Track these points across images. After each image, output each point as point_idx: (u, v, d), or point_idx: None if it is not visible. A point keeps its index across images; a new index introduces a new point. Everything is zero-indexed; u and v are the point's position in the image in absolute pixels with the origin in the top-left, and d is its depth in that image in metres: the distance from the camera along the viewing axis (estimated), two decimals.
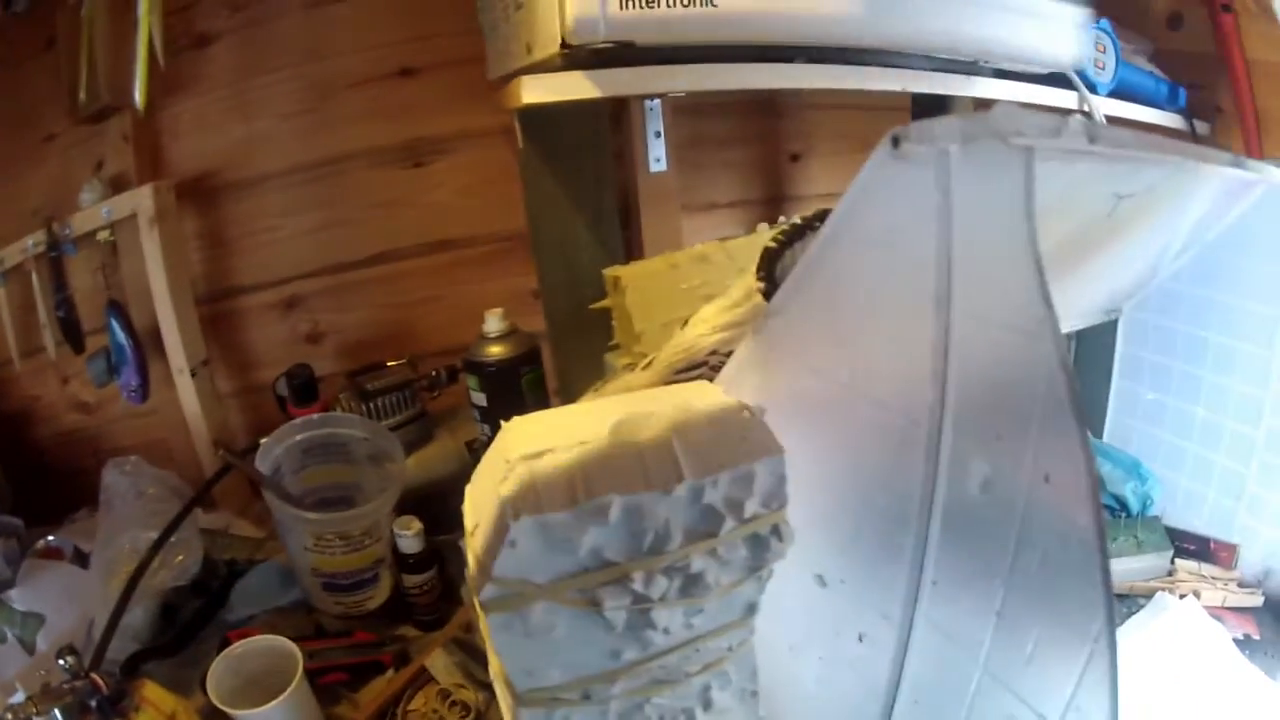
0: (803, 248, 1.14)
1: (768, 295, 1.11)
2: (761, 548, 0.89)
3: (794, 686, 1.10)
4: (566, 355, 2.02)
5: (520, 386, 1.87)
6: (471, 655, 1.64)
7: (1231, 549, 1.59)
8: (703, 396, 0.97)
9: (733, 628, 0.95)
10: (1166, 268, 1.42)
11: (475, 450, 2.02)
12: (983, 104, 1.93)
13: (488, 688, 1.56)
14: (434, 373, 2.09)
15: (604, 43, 1.37)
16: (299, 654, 1.43)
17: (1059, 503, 0.75)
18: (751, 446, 0.87)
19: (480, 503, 0.88)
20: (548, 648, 0.86)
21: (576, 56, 1.45)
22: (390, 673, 1.66)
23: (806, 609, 1.05)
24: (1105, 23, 2.11)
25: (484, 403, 1.88)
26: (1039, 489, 0.76)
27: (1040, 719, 0.84)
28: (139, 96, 1.97)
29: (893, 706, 1.00)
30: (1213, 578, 1.58)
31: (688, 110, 2.37)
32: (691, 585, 0.87)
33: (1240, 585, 1.57)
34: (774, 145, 2.66)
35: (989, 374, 0.80)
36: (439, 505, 1.79)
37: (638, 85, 1.58)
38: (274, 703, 1.34)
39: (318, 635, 1.74)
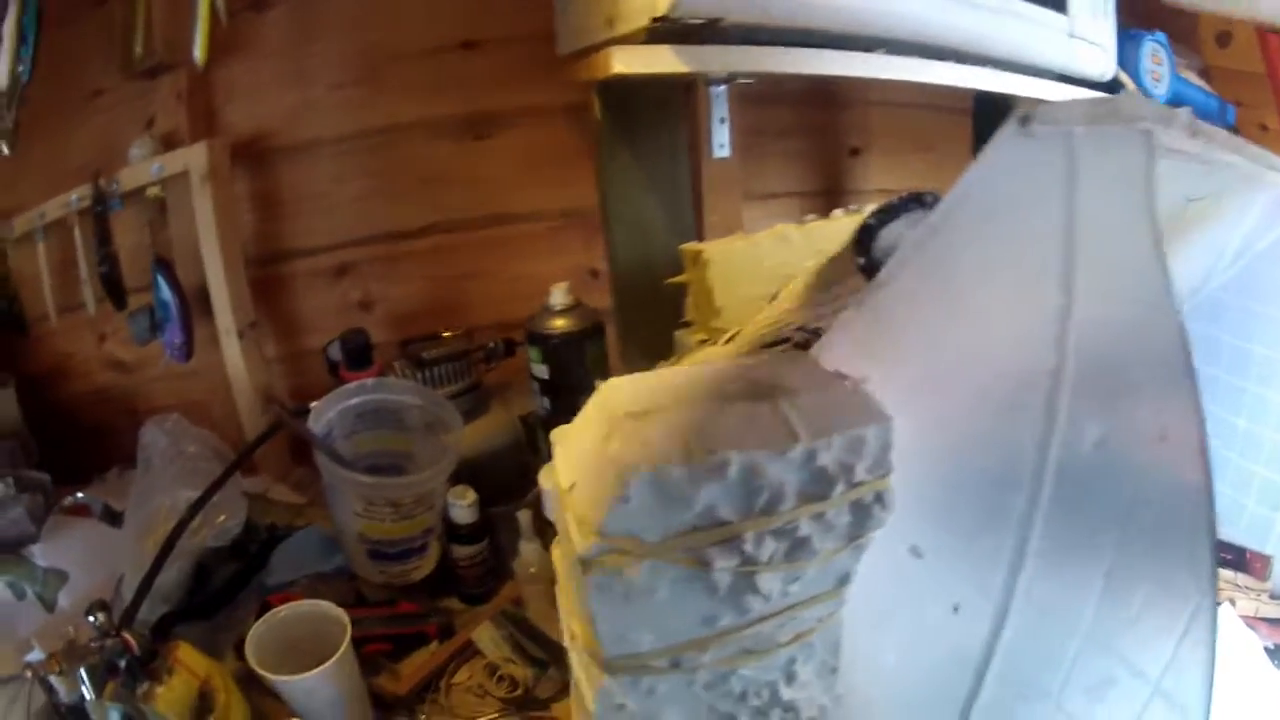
0: (900, 227, 1.13)
1: (866, 270, 1.11)
2: (864, 515, 0.86)
3: (872, 662, 1.06)
4: (633, 332, 2.01)
5: (584, 361, 1.85)
6: (520, 629, 1.62)
7: (1266, 560, 1.56)
8: (800, 365, 0.96)
9: (825, 598, 0.92)
10: (1218, 276, 1.40)
11: (530, 424, 2.02)
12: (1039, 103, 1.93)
13: (537, 663, 1.54)
14: (491, 344, 2.06)
15: (697, 19, 1.36)
16: (347, 620, 1.40)
17: (1173, 459, 0.76)
18: (859, 413, 0.85)
19: (579, 460, 0.85)
20: (645, 611, 0.83)
21: (660, 32, 1.45)
22: (435, 645, 1.63)
23: (894, 582, 1.00)
24: (1161, 35, 2.15)
25: (546, 375, 1.86)
26: (1155, 446, 0.77)
27: (1140, 676, 0.85)
28: (199, 53, 1.95)
29: (983, 678, 0.98)
30: (1247, 587, 1.58)
31: (751, 99, 2.31)
32: (797, 549, 0.84)
33: (1272, 597, 1.56)
34: (834, 138, 2.63)
35: (1107, 339, 0.80)
36: (491, 477, 1.79)
37: (725, 63, 1.60)
38: (319, 669, 1.31)
39: (359, 604, 1.72)
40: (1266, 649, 1.43)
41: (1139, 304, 0.74)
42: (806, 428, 0.80)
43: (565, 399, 1.84)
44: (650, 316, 1.91)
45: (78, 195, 2.09)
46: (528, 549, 1.68)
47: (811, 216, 1.72)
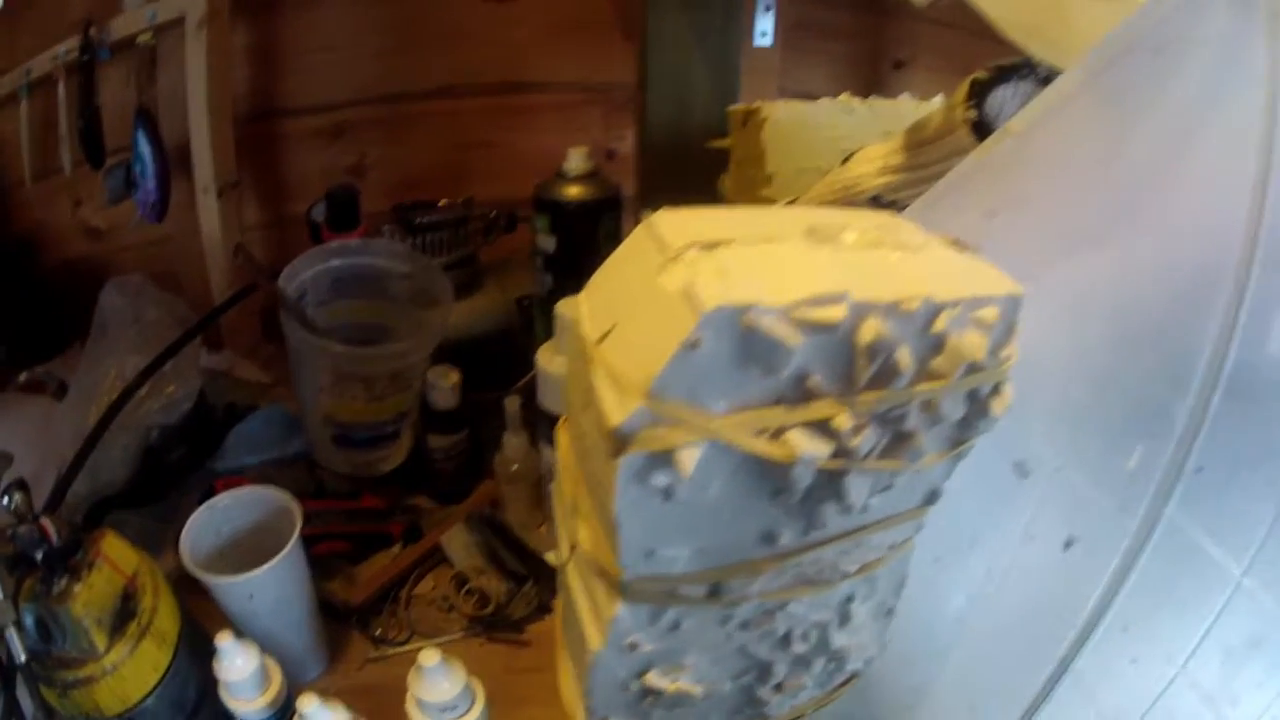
0: (1008, 91, 1.00)
1: (978, 127, 0.97)
2: (978, 411, 0.66)
3: (933, 606, 0.91)
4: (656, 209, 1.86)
5: (597, 236, 1.67)
6: (497, 534, 1.47)
7: None
8: (896, 223, 0.75)
9: (906, 518, 0.74)
10: None
11: (526, 308, 1.86)
12: None
13: (514, 576, 1.39)
14: (492, 214, 1.93)
15: None
16: (298, 513, 1.22)
17: None
18: (984, 278, 0.64)
19: (617, 302, 0.64)
20: (689, 516, 0.63)
21: None
22: (398, 548, 1.48)
23: (985, 508, 0.86)
24: None
25: (552, 248, 1.68)
26: None
27: None
28: None
29: (1088, 638, 0.80)
30: None
31: None
32: (899, 444, 0.64)
33: None
34: (879, 47, 2.47)
35: None
36: (478, 362, 1.64)
37: None
38: (259, 570, 1.13)
39: (319, 495, 1.56)
40: None
41: None
42: (927, 281, 0.60)
43: (571, 278, 1.67)
44: (676, 195, 1.75)
45: (65, 48, 1.96)
46: (512, 443, 1.50)
47: (906, 95, 1.65)
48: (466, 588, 1.38)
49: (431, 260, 1.71)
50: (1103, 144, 0.77)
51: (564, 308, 1.27)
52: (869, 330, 0.55)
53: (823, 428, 0.58)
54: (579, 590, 0.78)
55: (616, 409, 0.56)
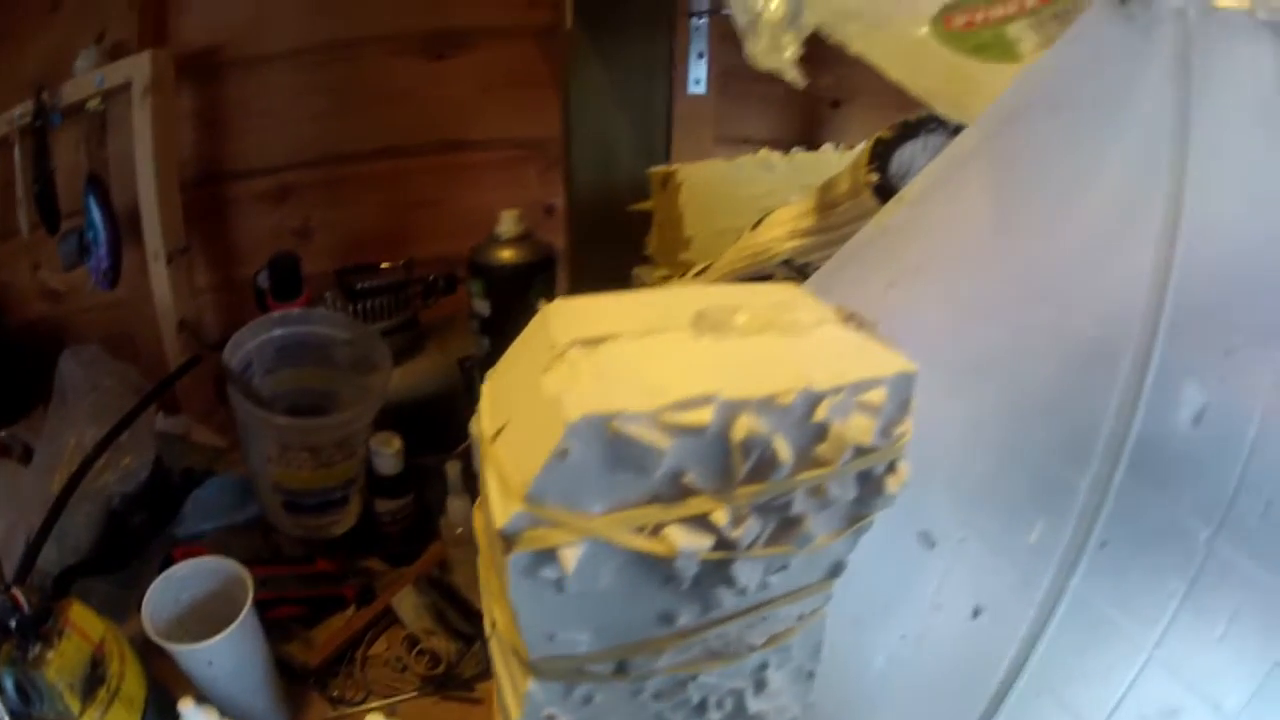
0: (915, 148, 1.02)
1: (880, 190, 1.00)
2: (872, 490, 0.68)
3: (854, 667, 0.92)
4: (586, 268, 1.95)
5: (529, 297, 1.69)
6: (445, 596, 1.49)
7: None
8: (793, 297, 0.76)
9: (811, 591, 0.75)
10: None
11: (468, 369, 1.88)
12: None
13: (462, 636, 1.42)
14: (430, 278, 1.95)
15: None
16: (250, 581, 1.25)
17: None
18: (874, 358, 0.65)
19: (510, 398, 0.66)
20: (583, 604, 0.65)
21: None
22: (352, 610, 1.50)
23: (895, 575, 0.87)
24: None
25: (487, 312, 1.72)
26: (1275, 420, 0.66)
27: (1217, 711, 0.72)
28: None
29: (1003, 700, 0.82)
30: None
31: (733, 37, 2.18)
32: (785, 531, 0.66)
33: None
34: (815, 87, 2.47)
35: (1222, 275, 0.67)
36: (421, 425, 1.67)
37: None
38: (216, 639, 1.16)
39: (274, 560, 1.58)
40: None
41: (1264, 227, 0.63)
42: (807, 370, 0.62)
43: (507, 339, 1.66)
44: (607, 252, 1.84)
45: (20, 111, 1.97)
46: (455, 506, 1.52)
47: (798, 148, 1.61)
48: (418, 648, 1.40)
49: (371, 327, 1.74)
50: (995, 211, 0.78)
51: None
52: (741, 428, 0.57)
53: (702, 521, 0.60)
54: (499, 663, 0.80)
55: (501, 511, 0.58)
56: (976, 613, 0.82)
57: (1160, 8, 0.64)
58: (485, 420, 0.67)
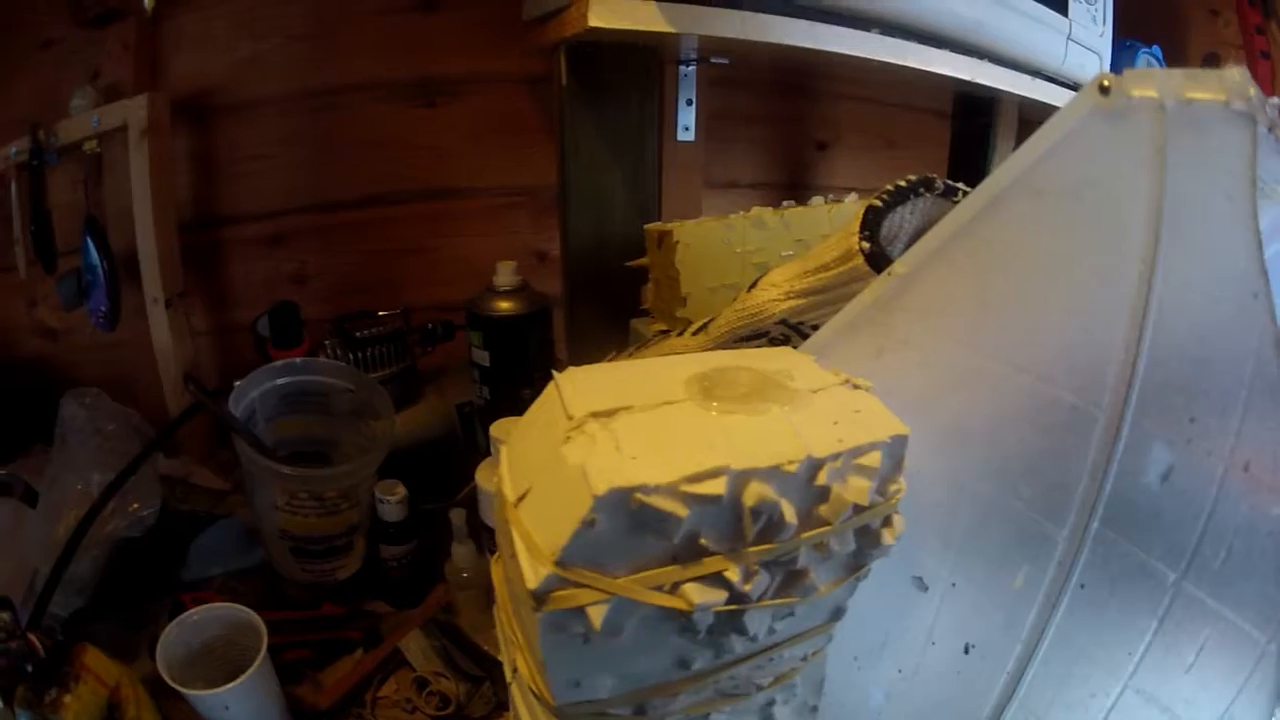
0: (905, 212, 1.05)
1: (871, 257, 1.01)
2: (870, 543, 0.74)
3: (854, 701, 0.98)
4: (584, 319, 1.94)
5: (528, 348, 1.74)
6: (452, 639, 1.51)
7: None
8: (792, 362, 0.83)
9: (814, 634, 0.81)
10: None
11: (466, 414, 1.91)
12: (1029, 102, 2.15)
13: (470, 678, 1.43)
14: (429, 325, 1.96)
15: None
16: (263, 629, 1.27)
17: (1253, 493, 0.71)
18: (869, 423, 0.72)
19: (532, 466, 0.71)
20: (607, 654, 0.70)
21: None
22: (360, 653, 1.52)
23: (890, 615, 0.93)
24: (1157, 49, 2.27)
25: (486, 362, 1.75)
26: (1234, 478, 0.71)
27: None
28: None
29: None
30: None
31: (719, 84, 2.27)
32: (791, 583, 0.72)
33: None
34: (801, 130, 2.56)
35: (1189, 350, 0.72)
36: (421, 470, 1.68)
37: (710, 27, 1.54)
38: (234, 684, 1.18)
39: (282, 604, 1.60)
40: None
41: (1226, 304, 0.68)
42: (809, 439, 0.67)
43: (506, 388, 1.76)
44: (603, 302, 1.87)
45: (15, 149, 1.98)
46: (460, 552, 1.55)
47: (789, 203, 1.64)
48: (427, 690, 1.42)
49: (371, 376, 1.77)
50: (979, 286, 0.82)
51: (497, 430, 1.33)
52: (752, 495, 0.64)
53: (717, 578, 0.66)
54: (523, 707, 0.84)
55: (531, 573, 0.64)
56: (967, 649, 0.87)
57: (1139, 99, 0.67)
58: (507, 485, 0.72)
